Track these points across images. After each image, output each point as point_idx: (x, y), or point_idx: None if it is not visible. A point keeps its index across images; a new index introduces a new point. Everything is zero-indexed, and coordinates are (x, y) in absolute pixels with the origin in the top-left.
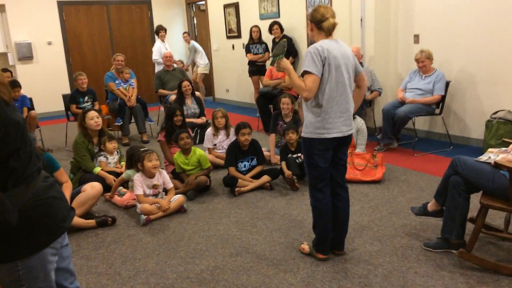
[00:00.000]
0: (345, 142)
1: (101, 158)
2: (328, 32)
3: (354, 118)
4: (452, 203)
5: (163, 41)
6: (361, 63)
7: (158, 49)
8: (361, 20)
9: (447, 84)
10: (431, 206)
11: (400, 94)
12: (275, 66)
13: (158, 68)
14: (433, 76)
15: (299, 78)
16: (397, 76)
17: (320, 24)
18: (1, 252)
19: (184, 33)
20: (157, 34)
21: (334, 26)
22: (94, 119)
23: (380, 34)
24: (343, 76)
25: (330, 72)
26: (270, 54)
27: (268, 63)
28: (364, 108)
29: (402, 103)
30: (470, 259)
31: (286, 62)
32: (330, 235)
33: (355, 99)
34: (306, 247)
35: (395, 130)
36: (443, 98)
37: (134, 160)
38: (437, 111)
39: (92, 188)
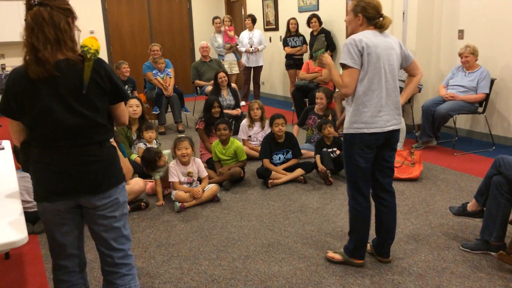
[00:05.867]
0: (390, 140)
1: (141, 145)
2: (381, 29)
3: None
4: (494, 204)
5: (250, 30)
6: None
7: (241, 38)
8: (403, 13)
9: (492, 81)
10: (470, 206)
11: (442, 91)
12: (317, 62)
13: (244, 57)
14: (477, 73)
15: (339, 74)
16: (438, 73)
17: (375, 21)
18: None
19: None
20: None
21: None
22: (133, 107)
23: (422, 29)
24: (384, 67)
25: (369, 62)
26: (309, 48)
27: (305, 56)
28: (403, 104)
29: (445, 100)
30: (510, 262)
31: (328, 58)
32: (367, 240)
33: (409, 86)
34: (336, 255)
35: (434, 128)
36: (487, 96)
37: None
38: (480, 109)
39: (137, 184)
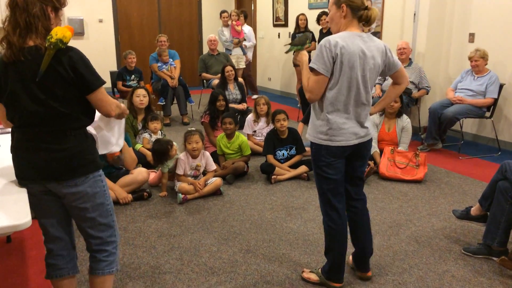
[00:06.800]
0: (358, 152)
1: (145, 135)
2: (367, 24)
3: (400, 115)
4: (498, 209)
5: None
6: (410, 58)
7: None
8: (414, 15)
9: (501, 87)
10: (474, 211)
11: (450, 94)
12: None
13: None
14: (486, 77)
15: (308, 76)
16: (447, 75)
17: (359, 12)
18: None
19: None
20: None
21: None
22: (140, 97)
23: (433, 31)
24: (357, 78)
25: (342, 71)
26: (317, 46)
27: (313, 53)
28: (410, 106)
29: (452, 103)
30: None
31: (303, 56)
32: (345, 261)
33: (388, 95)
34: (312, 276)
35: (440, 131)
36: (495, 101)
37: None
38: (487, 114)
39: (140, 173)
